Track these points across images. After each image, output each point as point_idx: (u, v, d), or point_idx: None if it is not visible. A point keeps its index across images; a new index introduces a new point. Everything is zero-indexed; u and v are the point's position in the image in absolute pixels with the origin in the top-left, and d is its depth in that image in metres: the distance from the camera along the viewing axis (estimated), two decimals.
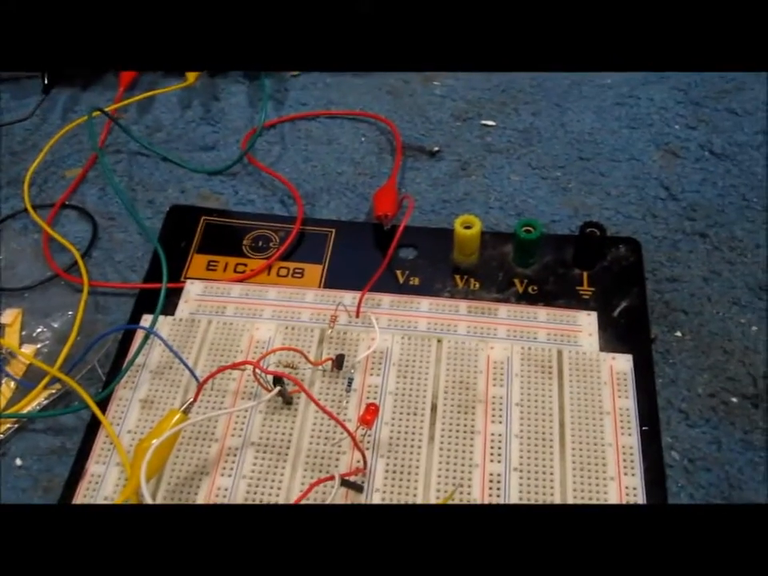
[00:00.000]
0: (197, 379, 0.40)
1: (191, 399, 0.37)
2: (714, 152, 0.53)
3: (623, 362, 0.41)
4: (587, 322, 0.43)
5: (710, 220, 0.49)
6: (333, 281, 0.46)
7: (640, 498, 0.37)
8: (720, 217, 0.49)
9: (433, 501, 0.37)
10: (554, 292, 0.45)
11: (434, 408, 0.40)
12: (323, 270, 0.47)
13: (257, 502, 0.37)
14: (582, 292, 0.45)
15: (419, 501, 0.37)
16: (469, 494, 0.37)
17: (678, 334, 0.44)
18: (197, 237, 0.49)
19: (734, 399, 0.42)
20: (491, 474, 0.38)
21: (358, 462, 0.38)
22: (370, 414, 0.37)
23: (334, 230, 0.49)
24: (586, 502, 0.37)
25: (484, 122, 0.55)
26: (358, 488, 0.37)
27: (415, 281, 0.46)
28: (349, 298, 0.44)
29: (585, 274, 0.46)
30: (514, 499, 0.37)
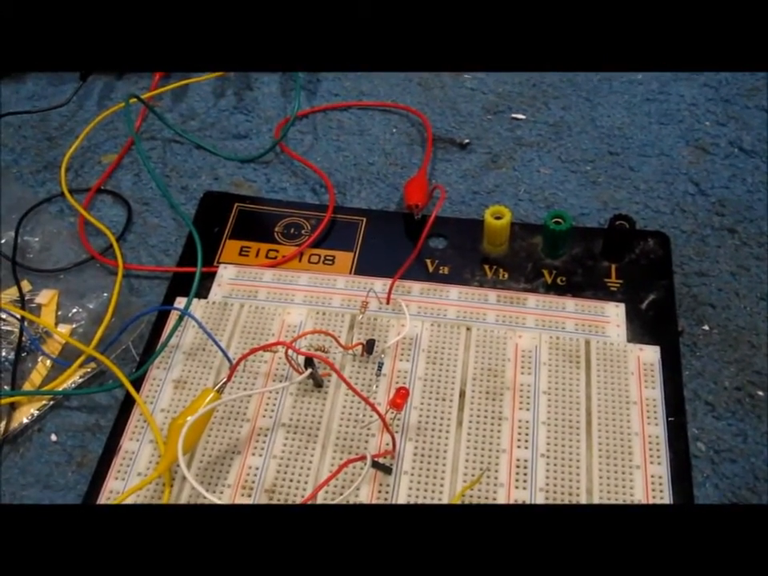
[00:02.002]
0: (230, 360, 0.40)
1: (225, 379, 0.37)
2: (744, 149, 0.53)
3: (650, 354, 0.42)
4: (615, 313, 0.44)
5: (738, 216, 0.49)
6: (363, 268, 0.47)
7: (665, 487, 0.37)
8: (749, 213, 0.49)
9: (460, 484, 0.37)
10: (581, 283, 0.45)
11: (462, 394, 0.40)
12: (354, 257, 0.47)
13: (287, 482, 0.38)
14: (609, 284, 0.45)
15: (447, 484, 0.37)
16: (496, 478, 0.38)
17: (706, 327, 0.44)
18: (230, 223, 0.49)
19: (761, 393, 0.42)
20: (518, 460, 0.38)
21: (387, 444, 0.38)
22: (401, 397, 0.37)
23: (364, 219, 0.49)
24: (612, 489, 0.37)
25: (514, 115, 0.56)
26: (387, 470, 0.37)
27: (445, 270, 0.46)
28: (379, 284, 0.45)
29: (613, 267, 0.46)
30: (540, 484, 0.37)
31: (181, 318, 0.43)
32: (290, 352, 0.38)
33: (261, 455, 0.39)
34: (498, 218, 0.46)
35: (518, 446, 0.39)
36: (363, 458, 0.36)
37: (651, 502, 0.37)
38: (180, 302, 0.44)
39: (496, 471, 0.38)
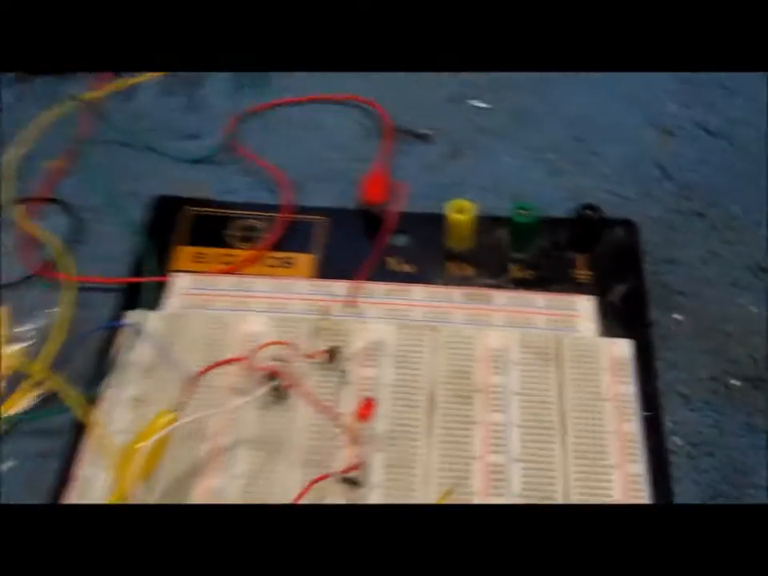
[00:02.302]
0: (187, 377, 0.38)
1: (182, 398, 0.36)
2: (710, 130, 0.52)
3: (623, 347, 0.41)
4: (585, 306, 0.42)
5: (707, 200, 0.48)
6: (324, 270, 0.45)
7: (644, 486, 0.36)
8: (716, 196, 0.48)
9: (433, 495, 0.36)
10: (550, 277, 0.44)
11: (431, 399, 0.39)
12: (314, 259, 0.45)
13: (252, 502, 0.36)
14: (579, 276, 0.44)
15: (419, 495, 0.36)
16: (470, 486, 0.36)
17: (677, 316, 0.43)
18: (182, 228, 0.47)
19: (735, 382, 0.41)
20: (492, 465, 0.37)
21: (356, 456, 0.37)
22: (367, 408, 0.36)
23: (323, 218, 0.47)
24: (590, 491, 0.36)
25: (475, 103, 0.54)
26: (356, 484, 0.36)
27: (408, 268, 0.45)
28: (341, 287, 0.43)
29: (581, 258, 0.45)
30: (516, 490, 0.36)
31: (135, 333, 0.41)
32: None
33: (223, 476, 0.37)
34: (461, 213, 0.44)
35: (492, 451, 0.37)
36: (328, 476, 0.34)
37: (630, 502, 0.36)
38: (132, 315, 0.42)
39: (470, 479, 0.36)
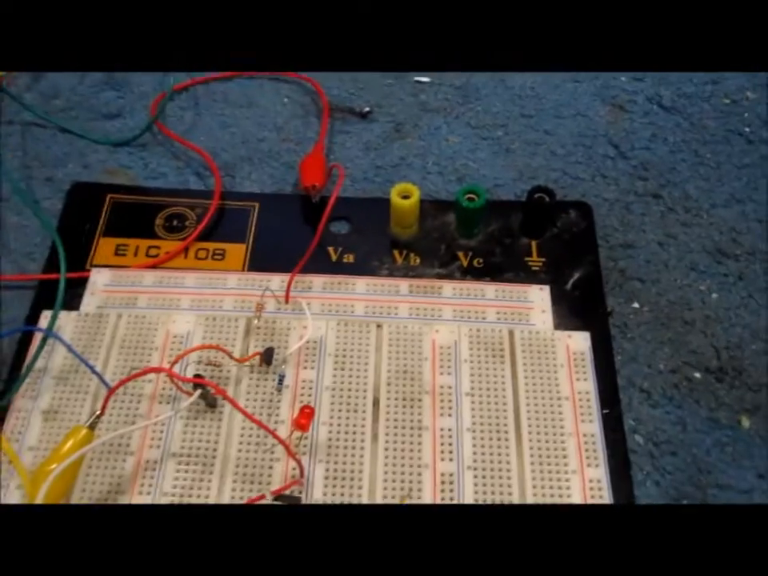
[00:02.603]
0: (106, 385, 0.35)
1: (98, 412, 0.32)
2: (663, 105, 0.49)
3: (580, 341, 0.38)
4: (539, 297, 0.40)
5: (662, 179, 0.46)
6: (258, 262, 0.41)
7: (605, 492, 0.34)
8: (672, 175, 0.46)
9: None
10: (501, 264, 0.41)
11: (376, 403, 0.36)
12: (247, 250, 0.42)
13: None
14: (531, 263, 0.41)
15: None
16: (419, 498, 0.33)
17: (636, 305, 0.41)
18: (103, 218, 0.43)
19: (697, 374, 0.39)
20: (443, 474, 0.34)
21: (294, 469, 0.34)
22: (305, 417, 0.33)
23: (257, 204, 0.44)
24: (548, 499, 0.34)
25: (417, 78, 0.51)
26: (295, 501, 0.33)
27: (350, 258, 0.42)
28: (276, 281, 0.40)
29: (534, 243, 0.42)
30: (468, 501, 0.33)
31: (46, 338, 0.37)
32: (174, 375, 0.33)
33: (149, 493, 0.33)
34: (405, 198, 0.41)
35: (442, 459, 0.34)
36: (263, 497, 0.31)
37: None
38: (47, 315, 0.38)
39: (419, 490, 0.34)
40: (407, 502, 0.33)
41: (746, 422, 0.37)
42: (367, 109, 0.49)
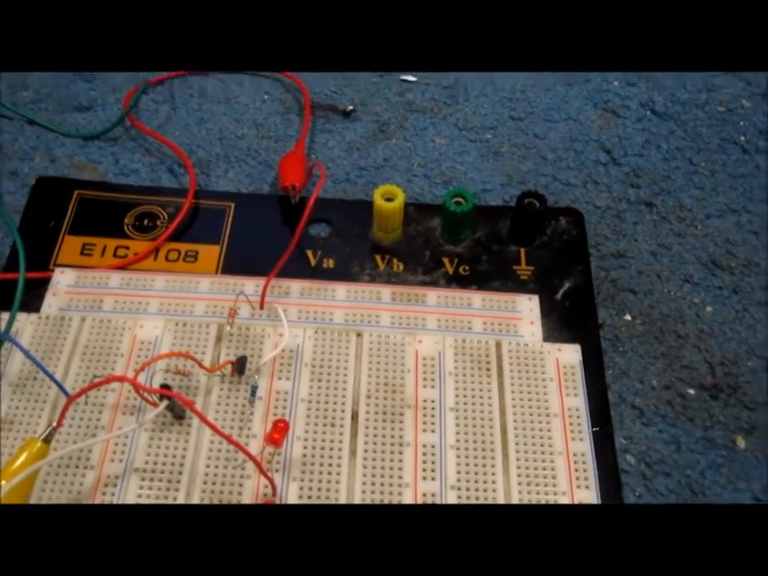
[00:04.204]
0: (66, 394, 0.32)
1: (53, 425, 0.30)
2: (657, 111, 0.48)
3: (570, 354, 0.36)
4: (528, 307, 0.38)
5: (655, 187, 0.44)
6: (232, 265, 0.39)
7: None
8: (666, 183, 0.44)
9: None
10: (488, 272, 0.39)
11: (354, 417, 0.34)
12: (221, 251, 0.40)
13: None
14: (519, 272, 0.40)
15: None
16: None
17: (627, 317, 0.39)
18: (68, 215, 0.41)
19: (691, 391, 0.37)
20: (425, 495, 0.32)
21: (266, 487, 0.32)
22: (279, 431, 0.30)
23: (233, 204, 0.42)
24: None
25: (403, 76, 0.49)
26: None
27: (329, 263, 0.40)
28: (251, 285, 0.38)
29: (522, 251, 0.40)
30: None
31: (2, 342, 0.34)
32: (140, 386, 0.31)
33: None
34: (389, 200, 0.39)
35: (424, 478, 0.32)
36: None
37: None
38: (4, 317, 0.36)
39: None
40: None
41: (741, 442, 0.36)
42: (351, 107, 0.47)
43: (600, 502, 0.32)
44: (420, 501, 0.32)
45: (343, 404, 0.34)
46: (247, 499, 0.31)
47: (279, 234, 0.41)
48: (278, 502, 0.31)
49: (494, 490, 0.32)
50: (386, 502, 0.32)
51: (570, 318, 0.38)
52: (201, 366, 0.33)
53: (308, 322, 0.37)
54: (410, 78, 0.49)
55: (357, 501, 0.32)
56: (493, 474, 0.33)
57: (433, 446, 0.33)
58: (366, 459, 0.33)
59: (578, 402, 0.35)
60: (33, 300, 0.37)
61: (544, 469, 0.33)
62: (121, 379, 0.30)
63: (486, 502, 0.32)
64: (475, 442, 0.33)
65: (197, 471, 0.32)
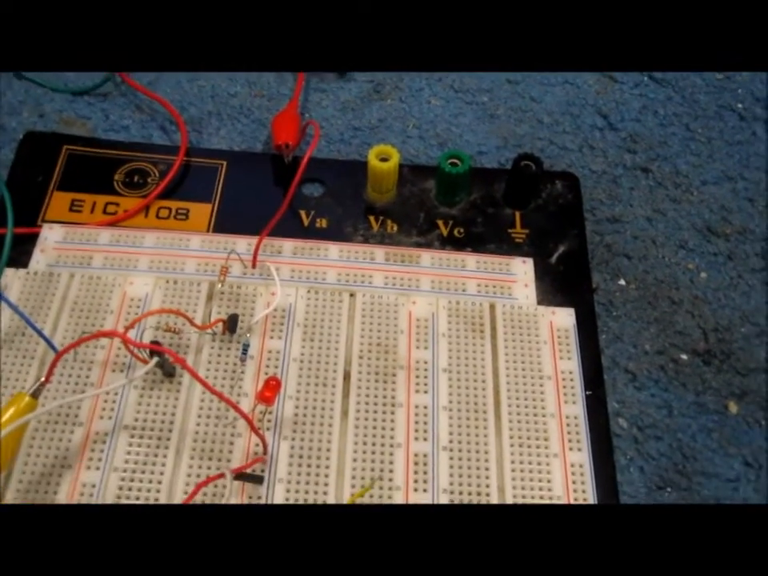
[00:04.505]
0: (54, 349, 0.32)
1: (42, 380, 0.29)
2: (654, 77, 0.47)
3: (564, 317, 0.36)
4: (522, 270, 0.37)
5: (651, 153, 0.44)
6: (224, 223, 0.39)
7: (587, 477, 0.32)
8: (662, 149, 0.44)
9: (347, 491, 0.31)
10: (483, 235, 0.39)
11: (347, 377, 0.34)
12: (212, 210, 0.39)
13: (132, 501, 0.30)
14: (514, 235, 0.39)
15: (331, 491, 0.31)
16: (390, 480, 0.31)
17: (622, 282, 0.39)
18: (57, 170, 0.40)
19: (684, 356, 0.37)
20: (417, 455, 0.32)
21: (257, 446, 0.31)
22: (270, 389, 0.30)
23: (225, 162, 0.41)
24: (527, 484, 0.31)
25: None
26: (257, 480, 0.30)
27: (322, 223, 0.39)
28: (243, 244, 0.37)
29: (517, 214, 0.40)
30: (443, 484, 0.31)
31: None
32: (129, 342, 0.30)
33: (98, 468, 0.31)
34: (384, 160, 0.38)
35: (416, 438, 0.32)
36: (222, 475, 0.29)
37: (572, 495, 0.31)
38: None
39: (391, 471, 0.31)
40: (378, 483, 0.31)
41: (733, 408, 0.36)
42: None
43: (591, 464, 0.32)
44: (411, 461, 0.32)
45: (335, 364, 0.34)
46: (237, 457, 0.31)
47: (272, 193, 0.40)
48: (268, 461, 0.31)
49: (486, 452, 0.32)
50: (378, 462, 0.31)
51: (564, 282, 0.38)
52: (192, 323, 0.33)
53: (300, 282, 0.36)
54: None
55: (348, 461, 0.31)
56: (485, 436, 0.32)
57: (425, 407, 0.33)
58: (357, 419, 0.33)
59: (572, 365, 0.35)
60: (20, 256, 0.37)
61: (536, 431, 0.33)
62: (111, 334, 0.29)
63: (477, 463, 0.32)
64: (468, 403, 0.33)
65: (187, 429, 0.32)
